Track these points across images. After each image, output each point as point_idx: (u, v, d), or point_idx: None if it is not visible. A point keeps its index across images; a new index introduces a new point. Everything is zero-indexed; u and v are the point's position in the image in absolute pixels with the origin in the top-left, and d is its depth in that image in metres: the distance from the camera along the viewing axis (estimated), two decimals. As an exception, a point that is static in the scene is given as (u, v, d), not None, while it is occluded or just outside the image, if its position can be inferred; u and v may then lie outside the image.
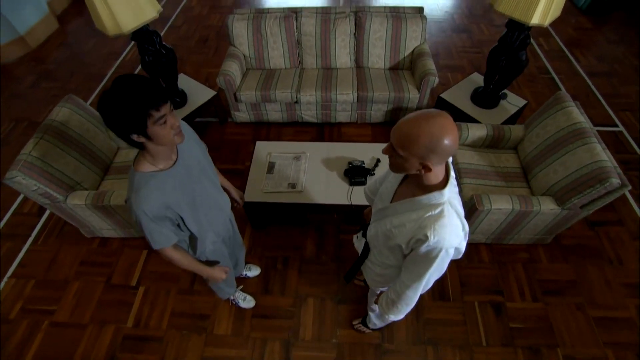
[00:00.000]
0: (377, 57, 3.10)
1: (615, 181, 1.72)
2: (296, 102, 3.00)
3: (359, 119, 3.17)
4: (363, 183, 2.16)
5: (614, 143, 2.89)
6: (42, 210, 2.63)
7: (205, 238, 1.40)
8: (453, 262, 2.19)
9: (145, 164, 1.10)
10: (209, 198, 1.36)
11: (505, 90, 2.79)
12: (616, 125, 3.03)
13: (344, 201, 2.14)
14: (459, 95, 2.95)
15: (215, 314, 2.10)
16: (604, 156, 1.83)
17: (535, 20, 2.06)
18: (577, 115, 2.03)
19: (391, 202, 1.15)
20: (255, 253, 2.36)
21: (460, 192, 2.20)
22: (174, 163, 1.16)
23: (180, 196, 1.18)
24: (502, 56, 2.47)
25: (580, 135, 1.95)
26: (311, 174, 2.28)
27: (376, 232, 1.26)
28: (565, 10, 4.48)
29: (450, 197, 1.00)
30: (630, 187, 1.77)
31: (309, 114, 3.13)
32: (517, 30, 2.30)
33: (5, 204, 2.68)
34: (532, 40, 3.89)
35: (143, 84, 0.94)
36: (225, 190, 1.61)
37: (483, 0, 4.70)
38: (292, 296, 2.17)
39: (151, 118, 0.95)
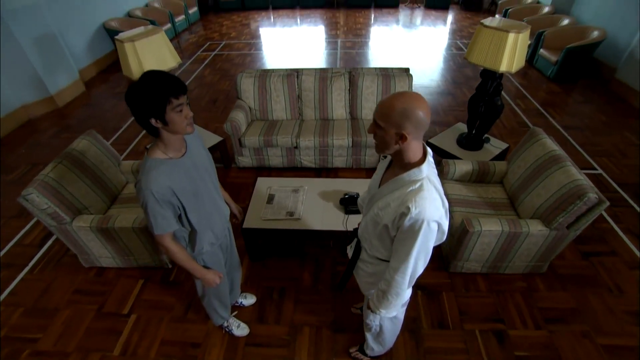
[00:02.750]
0: (370, 109, 3.44)
1: (593, 196, 1.84)
2: (296, 147, 3.24)
3: (354, 164, 3.39)
4: (358, 212, 2.26)
5: (596, 184, 3.03)
6: (43, 241, 2.67)
7: (204, 235, 1.46)
8: (450, 291, 2.20)
9: (157, 151, 1.25)
10: (210, 197, 1.46)
11: (488, 135, 3.05)
12: (595, 169, 3.23)
13: (340, 228, 2.22)
14: (445, 140, 3.21)
15: (207, 342, 2.01)
16: (580, 176, 1.97)
17: (503, 68, 2.40)
18: (551, 144, 2.24)
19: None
20: (252, 283, 2.34)
21: (451, 219, 2.30)
22: (183, 155, 1.31)
23: (185, 185, 1.29)
24: (480, 102, 2.78)
25: (555, 160, 2.12)
26: (309, 204, 2.39)
27: (365, 223, 1.34)
28: (536, 78, 5.09)
29: (429, 174, 1.12)
30: (608, 204, 1.88)
31: (308, 159, 3.36)
32: (490, 79, 2.64)
33: (8, 236, 2.73)
34: (510, 101, 4.35)
35: (167, 76, 1.13)
36: (225, 203, 1.72)
37: (463, 71, 5.34)
38: (287, 325, 2.10)
39: (170, 104, 1.12)
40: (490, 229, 2.04)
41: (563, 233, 2.03)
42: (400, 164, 1.14)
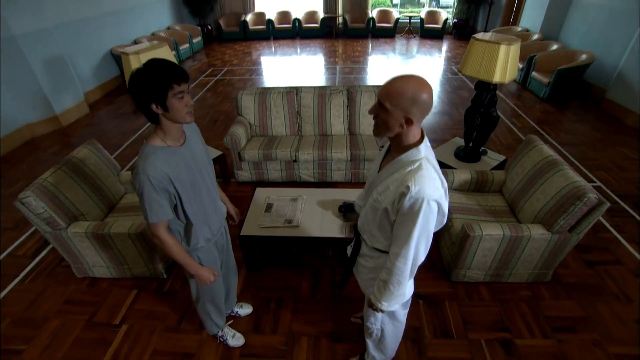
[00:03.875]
0: (368, 125, 3.50)
1: (593, 196, 1.84)
2: (295, 160, 3.27)
3: (353, 178, 3.40)
4: (357, 219, 2.24)
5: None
6: (36, 253, 2.62)
7: (200, 229, 1.44)
8: (453, 300, 2.13)
9: (156, 139, 1.26)
10: (207, 191, 1.45)
11: (485, 148, 3.09)
12: (594, 182, 3.24)
13: (338, 234, 2.19)
14: (443, 153, 3.24)
15: (201, 353, 1.92)
16: (578, 178, 1.97)
17: (496, 78, 2.47)
18: (548, 150, 2.26)
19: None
20: (248, 293, 2.27)
21: (451, 226, 2.27)
22: (181, 145, 1.32)
23: (183, 174, 1.29)
24: (476, 114, 2.84)
25: (553, 165, 2.13)
26: (307, 212, 2.37)
27: (365, 213, 1.33)
28: (530, 100, 5.22)
29: (427, 154, 1.13)
30: (609, 205, 1.87)
31: (307, 173, 3.37)
32: (485, 91, 2.71)
33: (1, 248, 2.68)
34: (506, 120, 4.44)
35: (170, 63, 1.17)
36: (222, 202, 1.71)
37: (459, 93, 5.49)
38: (284, 335, 2.01)
39: (172, 90, 1.15)
40: (491, 233, 2.01)
41: (565, 237, 2.00)
42: (399, 148, 1.15)
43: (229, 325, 2.00)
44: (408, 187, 1.05)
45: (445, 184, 1.14)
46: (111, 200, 2.52)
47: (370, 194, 1.27)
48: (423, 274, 2.35)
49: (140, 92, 1.15)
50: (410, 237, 1.11)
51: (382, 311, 1.32)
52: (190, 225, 1.40)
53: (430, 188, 1.06)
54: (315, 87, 3.54)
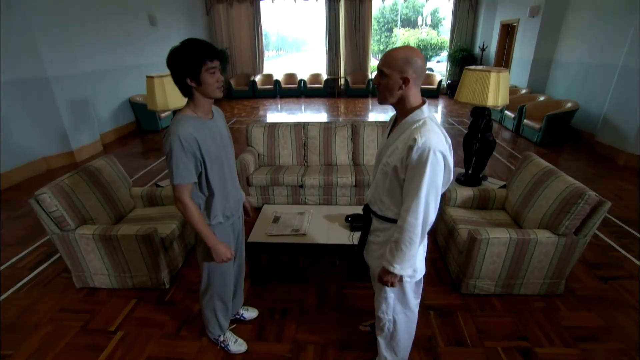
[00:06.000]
0: (372, 155, 3.66)
1: (593, 194, 1.89)
2: (301, 185, 3.36)
3: (357, 203, 3.44)
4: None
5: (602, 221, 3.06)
6: (37, 266, 2.57)
7: (220, 203, 1.47)
8: (465, 311, 2.04)
9: (188, 110, 1.38)
10: (230, 170, 1.52)
11: (485, 174, 3.19)
12: (596, 209, 3.28)
13: (346, 241, 2.19)
14: (445, 180, 3.34)
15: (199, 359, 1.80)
16: (576, 181, 2.04)
17: (490, 102, 2.68)
18: (544, 162, 2.36)
19: None
20: (252, 303, 2.18)
21: (457, 235, 2.28)
22: (210, 120, 1.43)
23: (210, 145, 1.38)
24: (473, 139, 3.01)
25: (551, 173, 2.22)
26: (314, 223, 2.40)
27: (375, 184, 1.39)
28: (525, 144, 5.45)
29: (430, 115, 1.24)
30: (610, 204, 1.92)
31: (312, 199, 3.43)
32: (480, 117, 2.91)
33: (2, 261, 2.63)
34: (504, 160, 4.62)
35: (204, 42, 1.34)
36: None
37: (456, 139, 5.76)
38: (289, 343, 1.90)
39: (205, 65, 1.29)
40: (497, 236, 2.02)
41: (573, 240, 2.00)
42: (403, 112, 1.26)
43: (231, 330, 1.90)
44: (415, 140, 1.14)
45: (449, 141, 1.23)
46: (120, 211, 2.56)
47: (379, 162, 1.34)
48: (432, 287, 2.28)
49: (177, 67, 1.29)
50: (419, 189, 1.16)
51: (395, 277, 1.29)
52: (211, 197, 1.44)
53: (436, 139, 1.15)
54: (321, 122, 3.78)
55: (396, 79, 1.19)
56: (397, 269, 1.26)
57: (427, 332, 1.94)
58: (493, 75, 2.65)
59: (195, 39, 1.34)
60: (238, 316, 2.01)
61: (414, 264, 1.28)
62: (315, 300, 2.22)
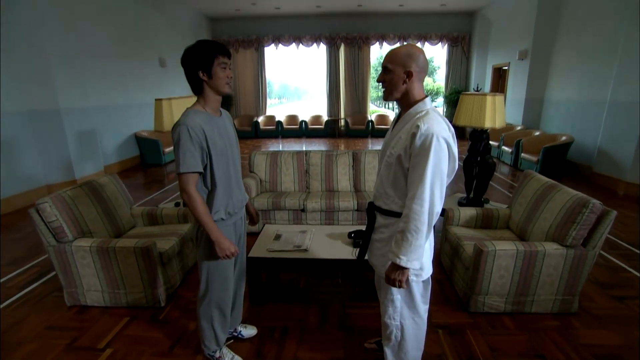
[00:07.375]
0: (373, 182, 3.69)
1: (597, 202, 1.89)
2: (303, 210, 3.34)
3: (360, 224, 3.40)
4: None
5: (607, 244, 3.01)
6: (28, 284, 2.48)
7: (223, 198, 1.47)
8: (475, 329, 1.94)
9: (197, 105, 1.43)
10: (235, 169, 1.54)
11: (486, 197, 3.19)
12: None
13: (348, 256, 2.14)
14: (447, 204, 3.32)
15: (192, 377, 1.67)
16: (579, 192, 2.05)
17: (487, 124, 2.77)
18: (545, 178, 2.38)
19: None
20: (251, 322, 2.07)
21: (463, 251, 2.23)
22: (218, 117, 1.47)
23: (216, 139, 1.41)
24: (473, 162, 3.05)
25: (552, 187, 2.23)
26: (316, 240, 2.36)
27: (380, 177, 1.40)
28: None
29: (432, 108, 1.28)
30: (616, 213, 1.91)
31: (314, 223, 3.39)
32: (479, 140, 2.99)
33: (-8, 280, 2.55)
34: (505, 190, 4.63)
35: (216, 42, 1.42)
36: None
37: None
38: (290, 361, 1.77)
39: (217, 59, 1.37)
40: (504, 248, 1.98)
41: (582, 252, 1.96)
42: (407, 106, 1.31)
43: (228, 345, 1.79)
44: (418, 127, 1.17)
45: (452, 130, 1.26)
46: (120, 228, 2.52)
47: (384, 156, 1.37)
48: (439, 306, 2.18)
49: (191, 61, 1.37)
50: (424, 175, 1.17)
51: (402, 275, 1.25)
52: (214, 190, 1.44)
53: (439, 127, 1.18)
54: (322, 150, 3.86)
55: (400, 73, 1.25)
56: (404, 261, 1.22)
57: (436, 351, 1.82)
58: (489, 98, 2.76)
59: (208, 39, 1.43)
60: (236, 333, 1.90)
61: (420, 256, 1.25)
62: (317, 320, 2.10)
